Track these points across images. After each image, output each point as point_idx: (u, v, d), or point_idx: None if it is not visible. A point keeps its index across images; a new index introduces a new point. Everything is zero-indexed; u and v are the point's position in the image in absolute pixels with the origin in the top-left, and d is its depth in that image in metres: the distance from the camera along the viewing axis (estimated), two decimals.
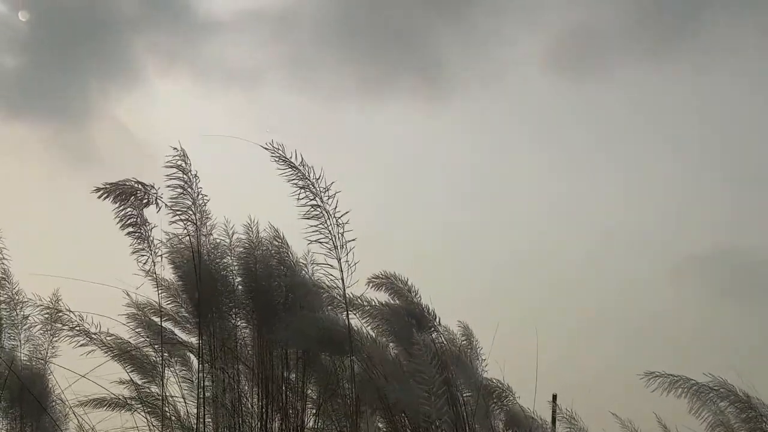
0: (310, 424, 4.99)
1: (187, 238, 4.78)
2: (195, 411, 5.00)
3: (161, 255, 4.77)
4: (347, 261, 4.48)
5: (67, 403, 5.03)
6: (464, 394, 4.64)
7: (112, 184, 4.54)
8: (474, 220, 11.30)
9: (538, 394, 4.77)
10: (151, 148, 9.84)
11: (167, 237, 4.87)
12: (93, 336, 5.04)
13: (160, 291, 4.98)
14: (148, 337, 5.13)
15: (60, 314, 5.05)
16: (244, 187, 8.12)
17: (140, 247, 4.68)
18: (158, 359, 5.05)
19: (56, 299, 5.08)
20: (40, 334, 5.12)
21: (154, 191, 4.59)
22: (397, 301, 4.92)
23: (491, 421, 4.72)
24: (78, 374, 4.93)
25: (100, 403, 5.22)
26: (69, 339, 5.03)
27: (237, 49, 12.06)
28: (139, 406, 5.13)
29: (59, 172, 11.27)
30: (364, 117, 12.01)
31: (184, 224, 4.71)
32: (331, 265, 4.51)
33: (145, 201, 4.59)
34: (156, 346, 5.07)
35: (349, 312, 4.68)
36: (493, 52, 11.79)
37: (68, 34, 11.50)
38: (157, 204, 4.60)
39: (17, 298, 5.15)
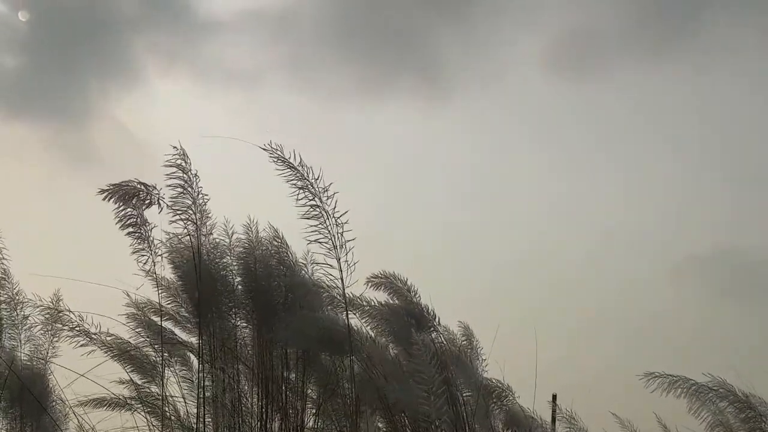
0: (310, 424, 4.99)
1: (187, 237, 4.78)
2: (195, 411, 5.00)
3: (161, 255, 4.79)
4: (347, 261, 4.49)
5: (67, 402, 5.03)
6: (464, 394, 4.64)
7: (115, 185, 4.55)
8: (474, 220, 11.30)
9: (537, 394, 4.77)
10: (151, 148, 9.84)
11: (167, 237, 4.88)
12: (93, 336, 5.04)
13: (160, 291, 4.99)
14: (148, 337, 5.13)
15: (60, 314, 5.05)
16: (244, 187, 8.13)
17: (140, 247, 4.69)
18: (158, 359, 5.05)
19: (56, 299, 5.08)
20: (41, 334, 5.12)
21: (156, 192, 4.60)
22: (397, 301, 4.92)
23: (491, 420, 4.72)
24: (78, 374, 4.94)
25: (100, 402, 5.22)
26: (69, 339, 5.03)
27: (237, 49, 12.08)
28: (139, 405, 5.13)
29: (59, 172, 11.29)
30: (363, 117, 12.04)
31: (184, 223, 4.71)
32: (331, 265, 4.51)
33: (147, 202, 4.60)
34: (156, 346, 5.07)
35: (349, 312, 4.68)
36: (493, 52, 11.80)
37: (68, 34, 11.52)
38: (159, 204, 4.62)
39: (17, 298, 5.15)
